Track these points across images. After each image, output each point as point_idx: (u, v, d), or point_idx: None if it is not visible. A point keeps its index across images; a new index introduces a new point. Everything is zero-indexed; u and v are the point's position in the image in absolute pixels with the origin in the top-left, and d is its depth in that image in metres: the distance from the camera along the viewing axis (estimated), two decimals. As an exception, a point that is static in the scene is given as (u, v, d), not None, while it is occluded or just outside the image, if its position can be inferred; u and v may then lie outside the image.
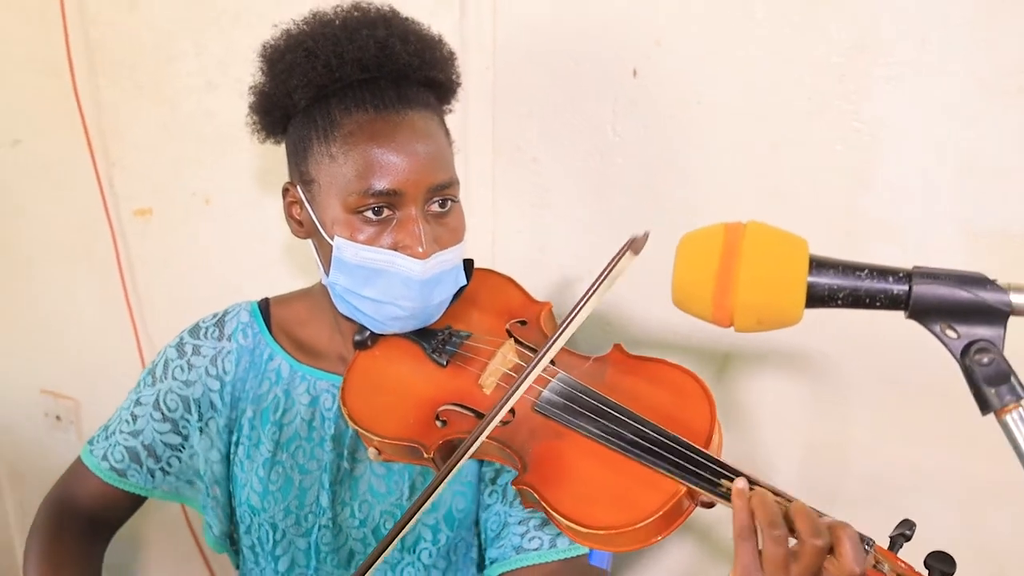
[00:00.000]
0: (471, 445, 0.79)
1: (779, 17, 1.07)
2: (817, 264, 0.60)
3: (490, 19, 1.21)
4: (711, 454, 0.73)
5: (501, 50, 1.22)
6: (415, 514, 0.81)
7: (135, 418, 1.04)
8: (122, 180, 1.56)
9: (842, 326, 1.10)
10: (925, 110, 1.03)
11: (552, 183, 1.24)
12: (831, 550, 0.65)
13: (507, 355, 0.91)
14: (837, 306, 0.60)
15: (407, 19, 0.96)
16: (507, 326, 0.96)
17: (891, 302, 0.59)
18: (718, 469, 0.71)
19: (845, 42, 1.05)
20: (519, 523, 0.95)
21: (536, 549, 0.94)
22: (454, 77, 1.00)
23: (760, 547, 0.67)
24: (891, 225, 1.08)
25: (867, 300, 0.59)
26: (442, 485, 0.80)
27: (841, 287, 0.59)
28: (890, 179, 1.07)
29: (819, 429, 1.17)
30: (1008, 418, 0.56)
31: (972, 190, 1.02)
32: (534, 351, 0.90)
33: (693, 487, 0.72)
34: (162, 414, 1.03)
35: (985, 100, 0.99)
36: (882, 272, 0.59)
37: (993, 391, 0.56)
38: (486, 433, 0.80)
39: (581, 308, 0.75)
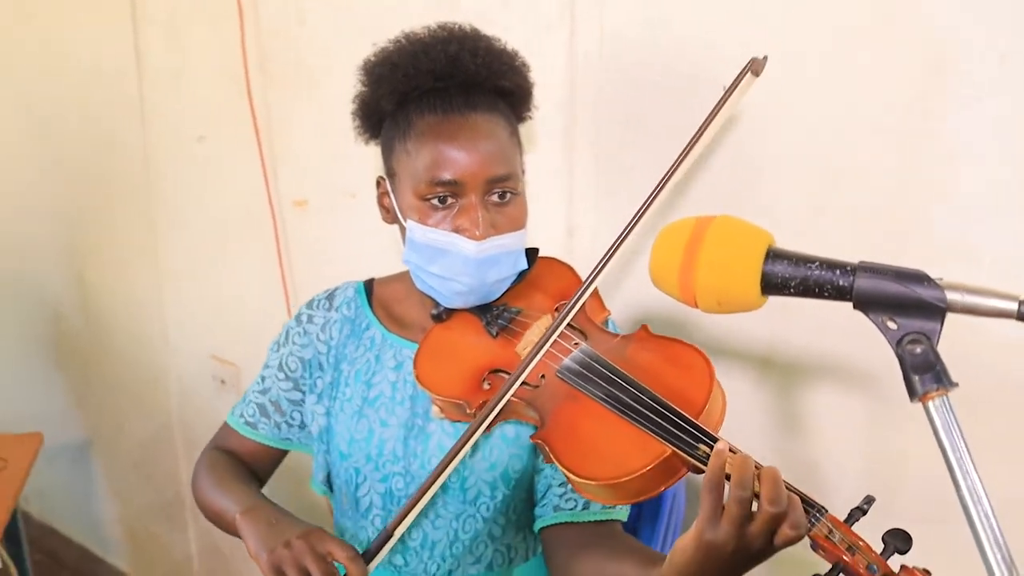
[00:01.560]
0: (497, 403, 0.92)
1: (861, 35, 1.12)
2: (774, 255, 0.67)
3: (597, 37, 1.32)
4: (696, 422, 0.81)
5: (606, 65, 1.33)
6: (452, 460, 0.94)
7: (263, 379, 1.25)
8: (284, 174, 1.79)
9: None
10: (1003, 127, 1.05)
11: (646, 189, 1.33)
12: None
13: (542, 327, 1.03)
14: (790, 294, 0.67)
15: (482, 36, 1.10)
16: (556, 305, 1.08)
17: (837, 293, 0.66)
18: (698, 435, 0.80)
19: (925, 59, 1.08)
20: (560, 485, 1.08)
21: (571, 509, 1.07)
22: (523, 85, 1.12)
23: (725, 503, 0.74)
24: (967, 243, 1.10)
25: (816, 290, 0.66)
26: (475, 436, 0.94)
27: (793, 276, 0.66)
28: (966, 197, 1.09)
29: (878, 439, 1.19)
30: (930, 404, 0.61)
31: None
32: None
33: (677, 450, 0.80)
34: (285, 374, 1.22)
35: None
36: (831, 265, 0.66)
37: (919, 378, 0.62)
38: (509, 394, 0.93)
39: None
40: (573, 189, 1.39)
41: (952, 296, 0.62)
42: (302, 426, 1.24)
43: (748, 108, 1.21)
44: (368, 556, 0.96)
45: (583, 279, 1.03)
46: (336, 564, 0.96)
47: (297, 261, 1.82)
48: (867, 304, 0.64)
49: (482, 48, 1.07)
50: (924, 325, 0.63)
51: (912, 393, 0.62)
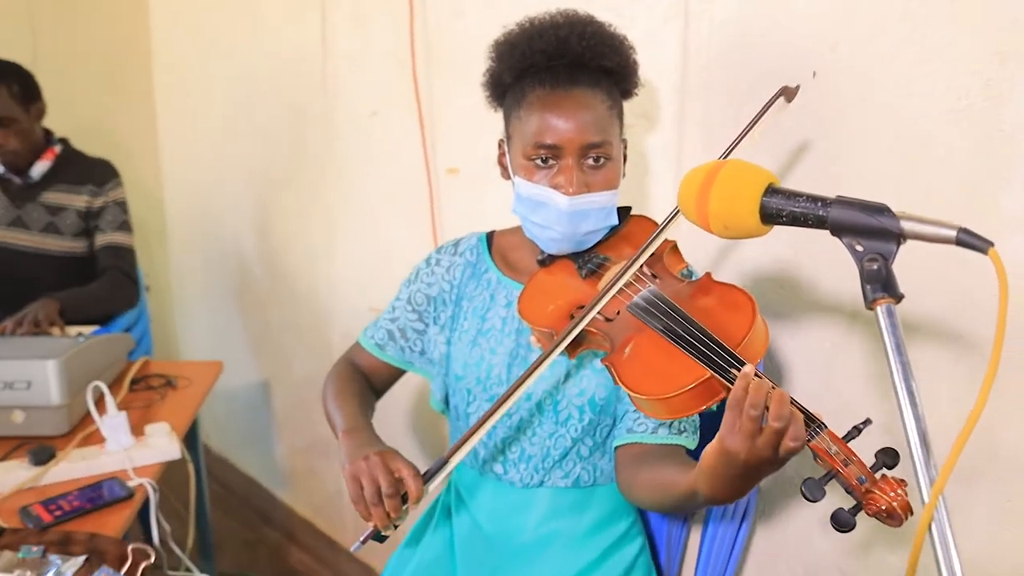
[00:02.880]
0: (572, 329, 1.16)
1: (933, 25, 1.25)
2: (771, 190, 0.86)
3: (707, 29, 1.51)
4: (734, 351, 0.99)
5: (713, 53, 1.51)
6: (530, 375, 1.17)
7: (394, 309, 1.52)
8: (440, 145, 2.06)
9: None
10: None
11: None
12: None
13: (618, 276, 1.24)
14: (783, 223, 0.86)
15: (593, 21, 1.31)
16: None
17: (818, 221, 0.83)
18: (733, 362, 0.98)
19: (991, 48, 1.21)
20: (635, 411, 1.29)
21: (642, 432, 1.28)
22: (625, 65, 1.32)
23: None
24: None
25: (801, 219, 0.84)
26: (551, 356, 1.17)
27: (783, 208, 0.85)
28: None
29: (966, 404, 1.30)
30: (878, 309, 0.78)
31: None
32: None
33: (715, 373, 0.99)
34: (412, 307, 1.48)
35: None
36: (813, 199, 0.84)
37: (870, 287, 0.79)
38: (576, 330, 1.16)
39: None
40: (681, 161, 1.58)
41: (905, 224, 0.79)
42: (422, 353, 1.50)
43: (834, 97, 1.36)
44: (427, 476, 1.19)
45: (665, 235, 1.23)
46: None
47: (447, 222, 2.09)
48: (839, 230, 0.82)
49: (589, 31, 1.29)
50: (883, 247, 0.79)
51: (866, 299, 0.79)
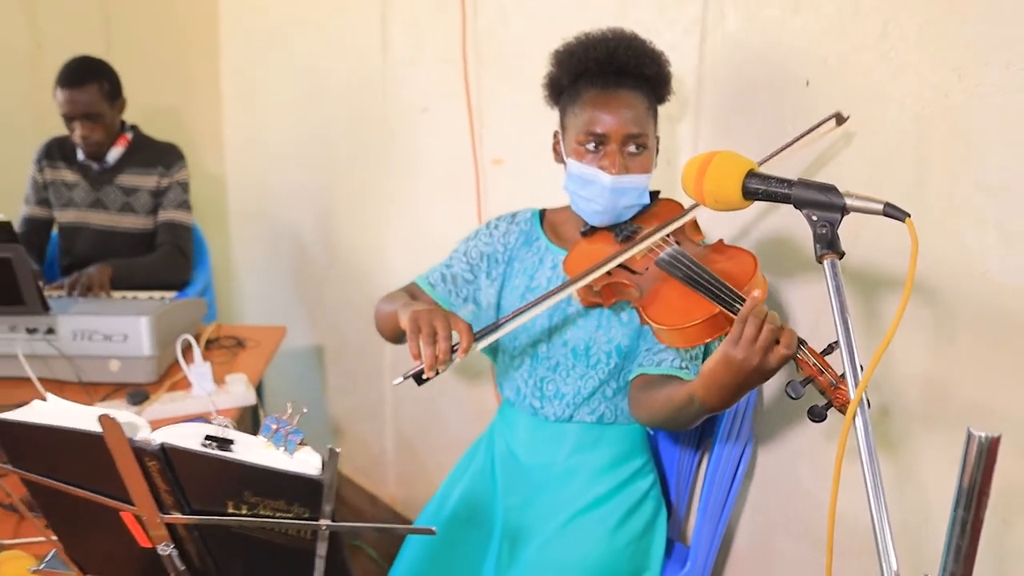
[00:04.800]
0: (599, 269, 1.48)
1: (904, 45, 1.54)
2: (751, 174, 1.15)
3: (720, 41, 1.80)
4: (739, 292, 1.30)
5: (724, 62, 1.81)
6: (552, 296, 1.49)
7: (451, 258, 1.82)
8: (487, 138, 2.36)
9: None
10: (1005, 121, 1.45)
11: (751, 154, 1.80)
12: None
13: (647, 236, 1.54)
14: (760, 199, 1.15)
15: (637, 37, 1.61)
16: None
17: (784, 198, 1.13)
18: (738, 300, 1.29)
19: (951, 65, 1.49)
20: (646, 351, 1.61)
21: (649, 365, 1.58)
22: (661, 74, 1.63)
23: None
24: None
25: (773, 196, 1.14)
26: (584, 280, 1.49)
27: (759, 187, 1.14)
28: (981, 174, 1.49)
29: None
30: (825, 262, 1.07)
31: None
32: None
33: (723, 308, 1.29)
34: (466, 258, 1.79)
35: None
36: (781, 181, 1.13)
37: (819, 246, 1.08)
38: (611, 265, 1.48)
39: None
40: (697, 153, 1.87)
41: (847, 200, 1.08)
42: (465, 300, 1.80)
43: (825, 103, 1.65)
44: (479, 335, 1.48)
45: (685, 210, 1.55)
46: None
47: (492, 209, 2.40)
48: (800, 204, 1.11)
49: (634, 45, 1.60)
50: (830, 216, 1.09)
51: (816, 255, 1.08)
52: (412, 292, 1.83)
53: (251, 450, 0.89)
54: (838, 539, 1.65)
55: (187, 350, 2.11)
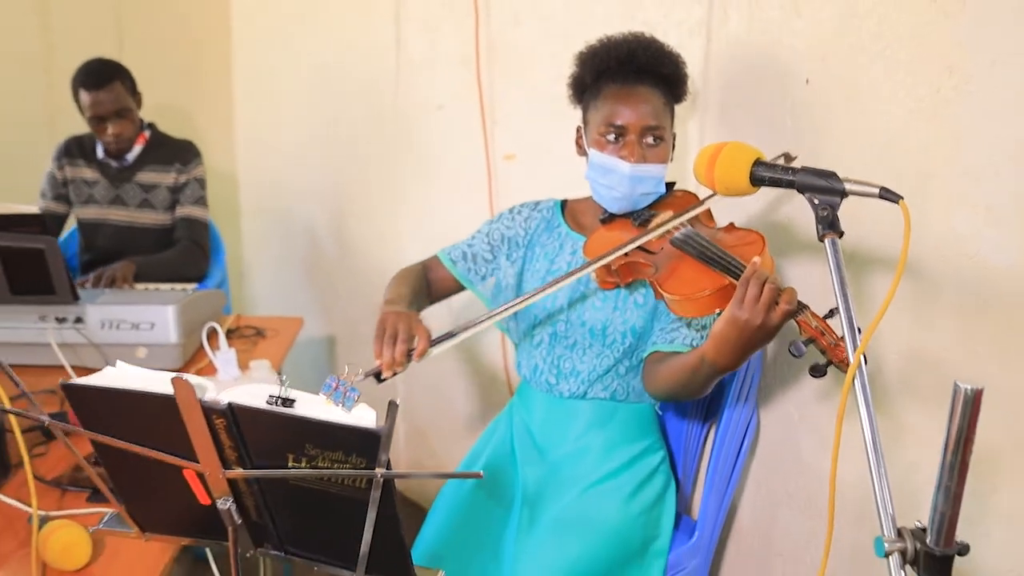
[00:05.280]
0: (620, 250, 1.58)
1: (898, 44, 1.65)
2: (758, 163, 1.26)
3: (725, 42, 1.91)
4: (744, 263, 1.40)
5: (728, 61, 1.91)
6: (568, 277, 1.59)
7: (473, 238, 1.93)
8: (498, 135, 2.47)
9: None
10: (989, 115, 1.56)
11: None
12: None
13: (662, 221, 1.65)
14: (767, 185, 1.26)
15: (655, 40, 1.73)
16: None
17: (788, 184, 1.23)
18: (743, 269, 1.39)
19: (942, 63, 1.60)
20: (659, 330, 1.72)
21: (662, 343, 1.70)
22: (677, 73, 1.73)
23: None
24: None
25: (778, 182, 1.24)
26: (599, 262, 1.59)
27: (765, 175, 1.25)
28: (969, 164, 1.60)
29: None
30: (826, 241, 1.18)
31: None
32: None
33: (732, 279, 1.40)
34: (488, 239, 1.90)
35: None
36: (785, 169, 1.24)
37: (821, 227, 1.18)
38: (632, 246, 1.58)
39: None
40: (703, 145, 1.97)
41: (846, 184, 1.18)
42: (483, 278, 1.90)
43: (823, 100, 1.76)
44: (434, 342, 1.58)
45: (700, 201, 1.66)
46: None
47: (503, 202, 2.50)
48: (803, 189, 1.22)
49: (652, 48, 1.71)
50: (831, 200, 1.19)
51: (819, 235, 1.19)
52: (430, 266, 1.95)
53: (312, 407, 1.00)
54: (837, 510, 1.76)
55: (210, 337, 2.21)
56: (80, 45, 3.07)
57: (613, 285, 1.71)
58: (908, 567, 1.04)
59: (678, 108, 1.86)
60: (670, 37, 1.93)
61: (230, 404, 1.01)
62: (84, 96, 2.70)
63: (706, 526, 1.89)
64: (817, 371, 1.27)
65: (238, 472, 1.06)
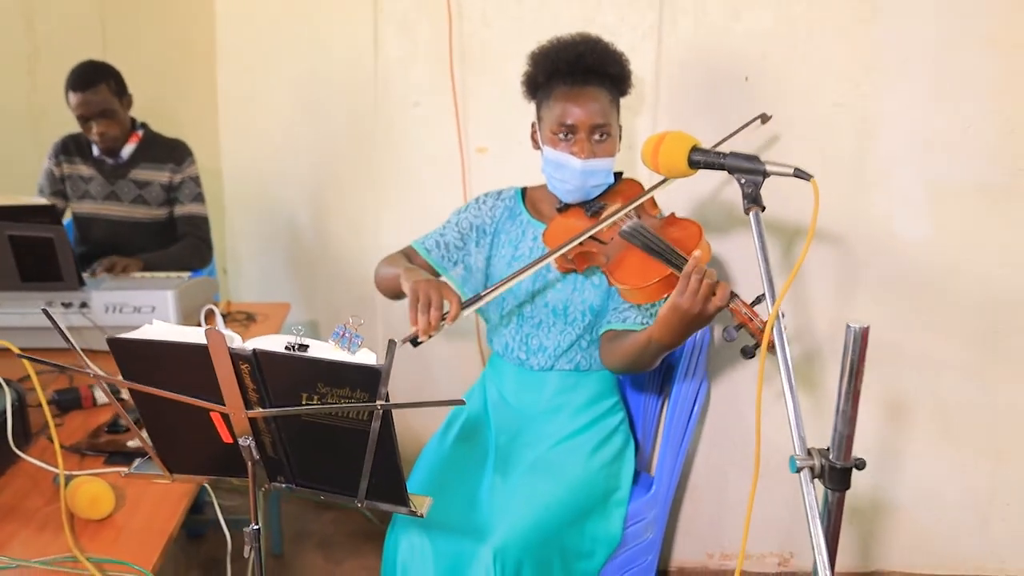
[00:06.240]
0: (574, 241, 1.78)
1: (826, 45, 1.89)
2: (694, 149, 1.49)
3: (674, 43, 2.15)
4: (686, 256, 1.62)
5: (679, 62, 2.15)
6: (543, 260, 1.80)
7: (444, 227, 2.13)
8: (472, 129, 2.69)
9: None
10: (902, 109, 1.80)
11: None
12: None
13: (613, 213, 1.87)
14: (702, 168, 1.48)
15: (601, 41, 1.93)
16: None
17: (719, 166, 1.46)
18: (684, 261, 1.61)
19: (861, 63, 1.85)
20: (613, 310, 1.93)
21: (616, 322, 1.91)
22: (622, 73, 1.94)
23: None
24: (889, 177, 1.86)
25: (712, 165, 1.47)
26: (558, 252, 1.80)
27: (700, 159, 1.48)
28: (884, 151, 1.85)
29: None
30: (751, 214, 1.41)
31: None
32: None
33: (674, 270, 1.62)
34: (458, 228, 2.11)
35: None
36: (717, 154, 1.46)
37: (746, 201, 1.41)
38: (583, 237, 1.78)
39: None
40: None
41: (767, 166, 1.41)
42: (455, 264, 2.10)
43: (764, 95, 2.00)
44: (465, 304, 1.78)
45: (645, 190, 1.88)
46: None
47: (476, 191, 2.71)
48: (732, 170, 1.43)
49: (598, 48, 1.91)
50: (755, 179, 1.41)
51: (744, 209, 1.41)
52: (408, 255, 2.14)
53: (322, 351, 1.21)
54: (774, 467, 1.99)
55: (207, 319, 2.41)
56: (65, 48, 3.21)
57: (570, 270, 1.92)
58: (816, 481, 1.26)
59: (632, 102, 2.10)
60: (625, 39, 2.17)
61: (255, 350, 1.22)
62: (72, 96, 2.88)
63: (662, 481, 2.12)
64: (747, 353, 1.46)
65: (259, 411, 1.27)
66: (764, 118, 1.82)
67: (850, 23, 1.88)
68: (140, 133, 3.09)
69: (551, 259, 1.83)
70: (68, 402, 1.95)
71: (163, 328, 1.30)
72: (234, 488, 1.96)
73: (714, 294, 1.55)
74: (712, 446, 2.29)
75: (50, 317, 1.32)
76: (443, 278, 2.12)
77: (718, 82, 2.06)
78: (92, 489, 1.51)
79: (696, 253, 1.57)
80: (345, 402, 1.21)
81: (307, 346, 1.22)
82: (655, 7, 2.15)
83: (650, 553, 2.08)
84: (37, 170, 3.19)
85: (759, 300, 1.52)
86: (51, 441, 1.64)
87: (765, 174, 1.42)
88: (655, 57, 2.17)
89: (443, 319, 1.72)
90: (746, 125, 1.88)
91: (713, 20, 2.06)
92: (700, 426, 2.28)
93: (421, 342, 1.72)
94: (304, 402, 1.24)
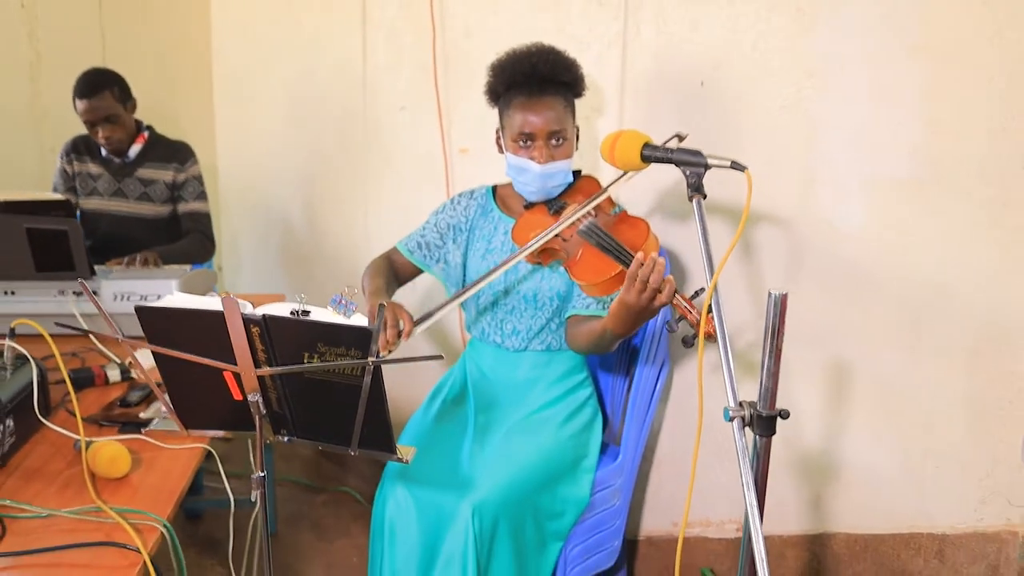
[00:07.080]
0: (538, 242, 1.99)
1: (773, 53, 2.12)
2: (646, 145, 1.71)
3: (637, 51, 2.37)
4: (634, 254, 1.81)
5: (643, 69, 2.37)
6: (509, 262, 2.01)
7: (424, 228, 2.34)
8: (454, 131, 2.89)
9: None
10: (840, 111, 2.03)
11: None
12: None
13: (574, 210, 2.08)
14: (653, 162, 1.70)
15: (554, 50, 2.11)
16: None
17: (668, 160, 1.68)
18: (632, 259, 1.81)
19: (805, 67, 2.07)
20: (576, 296, 2.14)
21: (579, 308, 2.13)
22: (575, 79, 2.13)
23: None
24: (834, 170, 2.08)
25: (660, 159, 1.69)
26: (523, 254, 2.02)
27: (651, 154, 1.69)
28: (824, 149, 2.07)
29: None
30: (694, 202, 1.62)
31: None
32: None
33: (623, 267, 1.83)
34: (436, 229, 2.32)
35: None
36: (666, 149, 1.68)
37: (690, 190, 1.63)
38: (546, 238, 1.99)
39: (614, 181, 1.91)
40: (621, 142, 2.43)
41: (708, 159, 1.63)
42: (436, 261, 2.31)
43: (718, 99, 2.21)
44: (417, 321, 2.01)
45: (602, 188, 2.09)
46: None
47: (459, 189, 2.91)
48: (678, 163, 1.64)
49: (551, 58, 2.10)
50: (698, 171, 1.62)
51: (688, 197, 1.63)
52: (392, 256, 2.36)
53: (322, 315, 1.42)
54: (729, 442, 2.20)
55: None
56: (66, 54, 3.41)
57: (538, 263, 2.12)
58: (747, 429, 1.46)
59: (593, 103, 2.30)
60: (592, 48, 2.39)
61: (264, 315, 1.43)
62: (78, 103, 3.08)
63: (628, 451, 2.33)
64: (687, 342, 1.64)
65: (267, 370, 1.48)
66: (680, 136, 2.02)
67: (793, 35, 2.10)
68: (146, 134, 3.29)
69: (521, 257, 2.03)
70: (83, 380, 2.14)
71: (183, 298, 1.50)
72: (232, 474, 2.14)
73: (660, 291, 1.74)
74: (676, 425, 2.51)
75: (86, 288, 1.51)
76: (426, 273, 2.35)
77: (677, 87, 2.28)
78: (111, 451, 1.68)
79: (639, 255, 1.74)
80: (341, 359, 1.42)
81: (309, 311, 1.43)
82: (620, 19, 2.36)
83: (617, 518, 2.29)
84: (39, 171, 3.39)
85: (698, 293, 1.73)
86: (71, 414, 1.81)
87: (706, 166, 1.64)
88: (620, 63, 2.39)
89: (399, 336, 1.98)
90: (667, 141, 2.09)
91: (672, 30, 2.28)
92: (664, 406, 2.50)
93: (383, 356, 1.95)
94: (306, 360, 1.45)
